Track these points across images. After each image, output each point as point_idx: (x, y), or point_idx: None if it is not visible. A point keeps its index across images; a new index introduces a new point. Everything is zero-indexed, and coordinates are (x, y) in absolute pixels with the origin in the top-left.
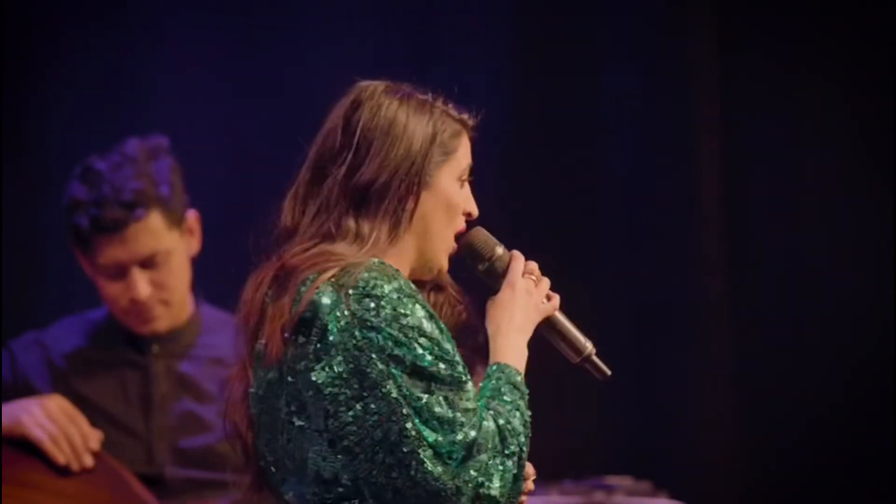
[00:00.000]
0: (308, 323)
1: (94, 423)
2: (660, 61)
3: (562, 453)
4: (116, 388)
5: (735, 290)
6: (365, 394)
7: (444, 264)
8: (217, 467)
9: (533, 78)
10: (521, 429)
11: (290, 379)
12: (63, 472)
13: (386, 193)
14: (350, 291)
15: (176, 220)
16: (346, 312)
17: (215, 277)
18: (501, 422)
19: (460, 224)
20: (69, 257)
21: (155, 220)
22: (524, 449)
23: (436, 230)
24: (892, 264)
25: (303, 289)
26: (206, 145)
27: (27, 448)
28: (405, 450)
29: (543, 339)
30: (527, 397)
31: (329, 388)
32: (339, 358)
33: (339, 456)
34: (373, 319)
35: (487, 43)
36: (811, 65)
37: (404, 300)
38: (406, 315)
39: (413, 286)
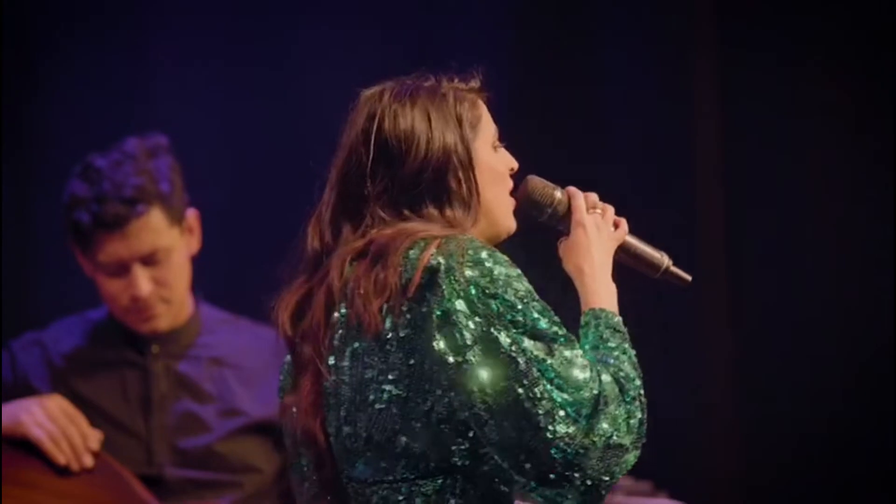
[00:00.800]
0: (422, 289)
1: (93, 423)
2: (660, 61)
3: None
4: (116, 388)
5: (735, 291)
6: (491, 360)
7: (514, 225)
8: (216, 467)
9: (533, 78)
10: (633, 373)
11: (389, 347)
12: (63, 472)
13: (443, 188)
14: (461, 259)
15: (176, 218)
16: (461, 280)
17: (215, 277)
18: (613, 370)
19: (510, 183)
20: (69, 257)
21: (156, 217)
22: (641, 392)
23: (495, 200)
24: (893, 264)
25: (412, 254)
26: (206, 145)
27: (27, 448)
28: (539, 412)
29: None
30: (628, 336)
31: (452, 357)
32: (461, 325)
33: (434, 429)
34: (490, 286)
35: (487, 44)
36: (811, 65)
37: (511, 268)
38: (517, 279)
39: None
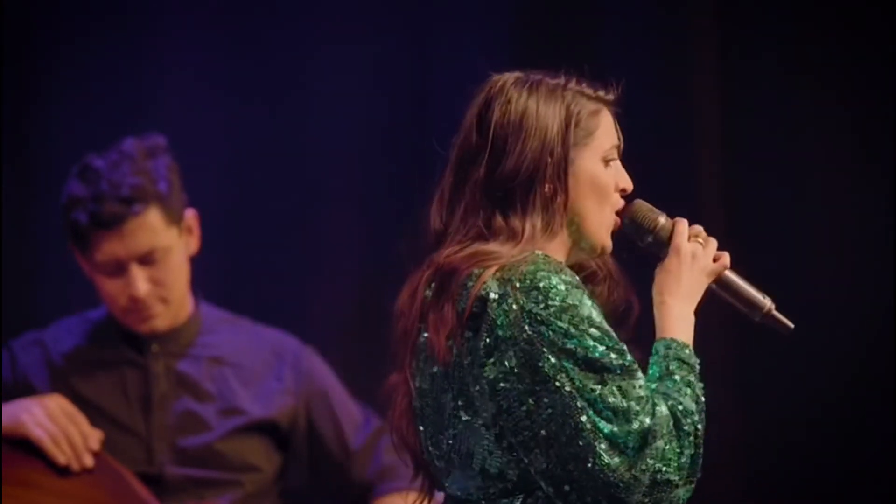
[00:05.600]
0: (476, 318)
1: (93, 422)
2: (660, 61)
3: None
4: (116, 388)
5: None
6: (537, 388)
7: (609, 243)
8: (216, 466)
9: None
10: (693, 407)
11: (457, 374)
12: (63, 472)
13: (531, 187)
14: (517, 285)
15: (174, 218)
16: (514, 307)
17: (215, 277)
18: (671, 403)
19: (617, 202)
20: (69, 257)
21: (153, 217)
22: (699, 427)
23: (590, 214)
24: (893, 263)
25: (469, 284)
26: (206, 145)
27: (27, 448)
28: (581, 443)
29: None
30: (697, 369)
31: (501, 384)
32: (510, 353)
33: (507, 451)
34: (542, 313)
35: (487, 44)
36: (812, 65)
37: (572, 291)
38: (575, 306)
39: (577, 277)
